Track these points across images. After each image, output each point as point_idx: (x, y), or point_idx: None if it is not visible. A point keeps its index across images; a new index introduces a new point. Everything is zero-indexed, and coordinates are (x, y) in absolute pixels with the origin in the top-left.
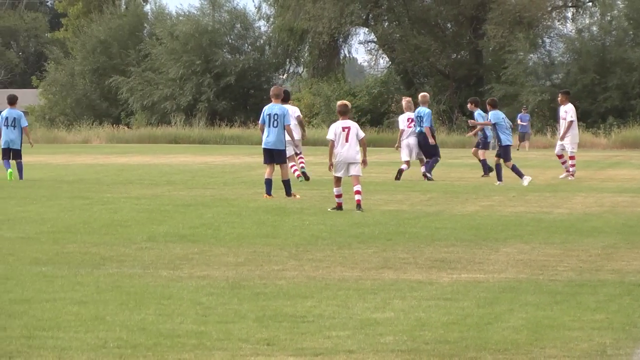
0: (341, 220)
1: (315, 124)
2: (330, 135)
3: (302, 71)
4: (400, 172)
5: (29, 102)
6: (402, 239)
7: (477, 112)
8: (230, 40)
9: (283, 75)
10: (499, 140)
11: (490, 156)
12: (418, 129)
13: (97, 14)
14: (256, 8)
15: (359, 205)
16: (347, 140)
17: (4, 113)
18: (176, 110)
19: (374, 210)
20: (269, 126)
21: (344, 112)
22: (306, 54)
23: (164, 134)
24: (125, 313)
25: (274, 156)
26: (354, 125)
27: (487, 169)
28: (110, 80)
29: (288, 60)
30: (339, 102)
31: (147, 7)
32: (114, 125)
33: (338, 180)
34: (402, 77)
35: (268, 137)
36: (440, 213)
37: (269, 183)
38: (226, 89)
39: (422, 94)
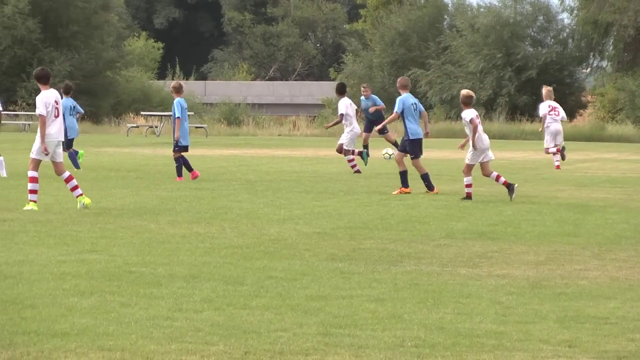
0: None
1: (619, 120)
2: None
3: (606, 65)
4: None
5: (326, 94)
6: None
7: None
8: (532, 33)
9: (586, 69)
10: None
11: None
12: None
13: (397, 5)
14: (559, 0)
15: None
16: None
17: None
18: (476, 105)
19: None
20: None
21: (468, 103)
22: (610, 48)
23: (463, 129)
24: (423, 311)
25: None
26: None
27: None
28: (409, 73)
29: (592, 54)
30: (463, 92)
31: None
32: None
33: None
34: None
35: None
36: None
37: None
38: (527, 83)
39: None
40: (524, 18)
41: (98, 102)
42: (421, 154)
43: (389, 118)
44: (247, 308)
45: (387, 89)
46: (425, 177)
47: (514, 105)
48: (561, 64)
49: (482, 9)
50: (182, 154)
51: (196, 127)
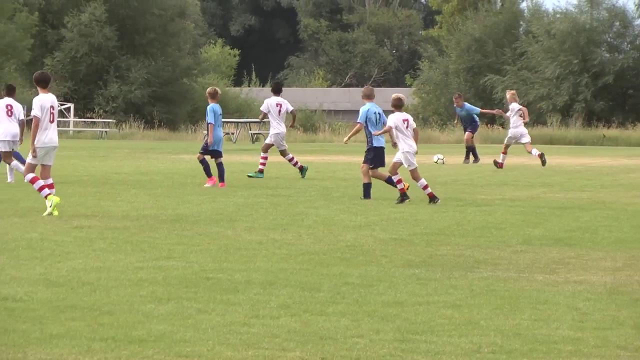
0: None
1: None
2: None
3: None
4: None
5: None
6: None
7: None
8: (608, 39)
9: None
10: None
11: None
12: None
13: (472, 12)
14: (636, 6)
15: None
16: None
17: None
18: (552, 111)
19: None
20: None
21: (399, 106)
22: None
23: (539, 134)
24: (500, 317)
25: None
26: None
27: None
28: (485, 79)
29: None
30: (393, 95)
31: (523, 4)
32: (488, 125)
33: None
34: None
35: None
36: None
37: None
38: (604, 89)
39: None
40: (600, 24)
41: (174, 109)
42: (382, 165)
43: (353, 130)
44: (324, 314)
45: (464, 95)
46: (388, 180)
47: (591, 111)
48: (638, 70)
49: (558, 15)
50: (217, 159)
51: None
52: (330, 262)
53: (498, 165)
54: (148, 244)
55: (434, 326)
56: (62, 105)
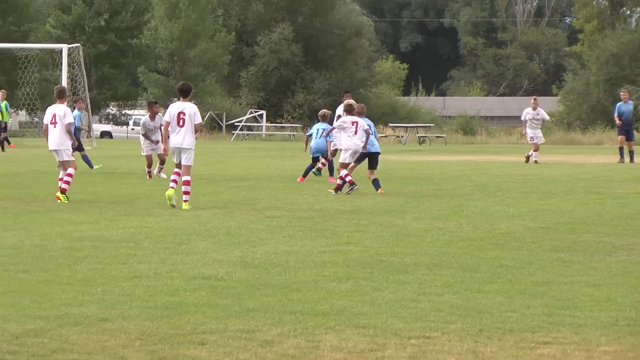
0: None
1: None
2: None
3: None
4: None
5: (548, 108)
6: None
7: None
8: None
9: None
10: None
11: None
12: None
13: (610, 30)
14: None
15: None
16: (355, 133)
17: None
18: None
19: None
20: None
21: (349, 111)
22: None
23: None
24: (635, 295)
25: None
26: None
27: None
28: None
29: None
30: (345, 102)
31: None
32: None
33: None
34: None
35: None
36: None
37: None
38: None
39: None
40: None
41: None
42: (359, 163)
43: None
44: (482, 292)
45: (602, 103)
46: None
47: None
48: None
49: None
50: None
51: (436, 137)
52: (486, 247)
53: None
54: (330, 231)
55: (577, 302)
56: (255, 112)
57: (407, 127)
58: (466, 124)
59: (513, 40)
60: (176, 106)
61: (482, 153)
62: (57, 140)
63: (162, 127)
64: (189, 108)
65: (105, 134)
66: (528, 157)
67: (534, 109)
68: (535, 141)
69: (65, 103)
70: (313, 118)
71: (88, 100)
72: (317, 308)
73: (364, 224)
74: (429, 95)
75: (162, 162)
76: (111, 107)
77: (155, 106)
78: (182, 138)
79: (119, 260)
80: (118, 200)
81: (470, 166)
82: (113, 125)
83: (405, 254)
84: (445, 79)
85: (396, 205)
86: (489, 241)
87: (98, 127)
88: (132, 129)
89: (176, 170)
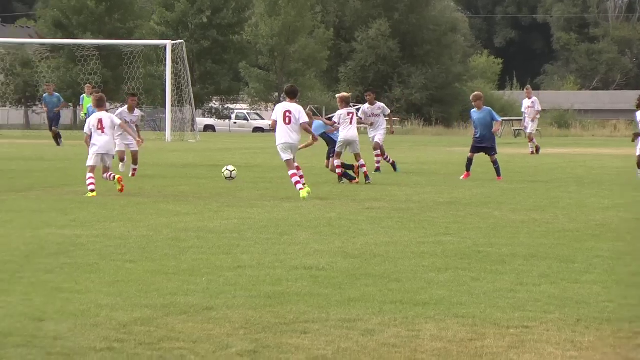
0: None
1: None
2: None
3: None
4: None
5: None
6: None
7: None
8: None
9: None
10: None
11: None
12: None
13: None
14: None
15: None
16: (350, 123)
17: None
18: None
19: None
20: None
21: (346, 102)
22: None
23: None
24: None
25: None
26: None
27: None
28: None
29: None
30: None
31: None
32: None
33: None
34: None
35: None
36: None
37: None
38: None
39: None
40: None
41: (448, 109)
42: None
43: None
44: (579, 282)
45: None
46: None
47: None
48: None
49: None
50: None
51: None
52: (582, 238)
53: None
54: (428, 223)
55: None
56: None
57: (502, 120)
58: (560, 117)
59: (605, 35)
60: (282, 106)
61: (577, 146)
62: (107, 145)
63: (133, 124)
64: (295, 108)
65: (209, 128)
66: (537, 148)
67: (529, 98)
68: (528, 131)
69: (110, 110)
70: (410, 111)
71: (192, 95)
72: (417, 298)
73: (462, 215)
74: (522, 90)
75: (135, 162)
76: (214, 102)
77: (133, 99)
78: (289, 136)
79: (223, 250)
80: (221, 192)
81: (565, 159)
82: (216, 119)
83: (502, 244)
84: (539, 74)
85: (493, 197)
86: (584, 232)
87: (202, 121)
88: (235, 123)
89: (292, 172)
